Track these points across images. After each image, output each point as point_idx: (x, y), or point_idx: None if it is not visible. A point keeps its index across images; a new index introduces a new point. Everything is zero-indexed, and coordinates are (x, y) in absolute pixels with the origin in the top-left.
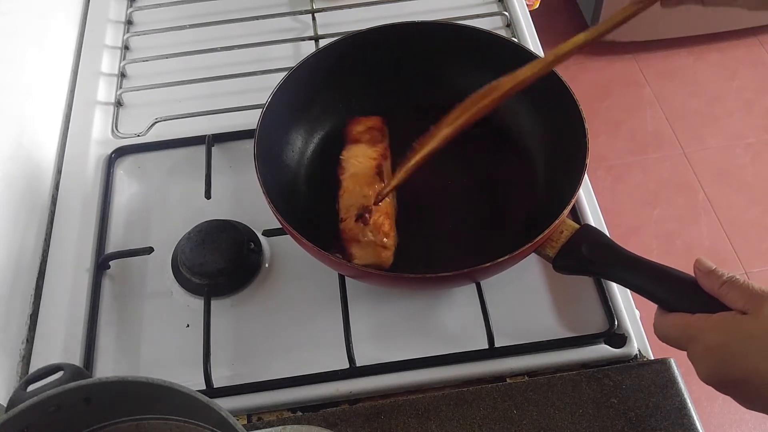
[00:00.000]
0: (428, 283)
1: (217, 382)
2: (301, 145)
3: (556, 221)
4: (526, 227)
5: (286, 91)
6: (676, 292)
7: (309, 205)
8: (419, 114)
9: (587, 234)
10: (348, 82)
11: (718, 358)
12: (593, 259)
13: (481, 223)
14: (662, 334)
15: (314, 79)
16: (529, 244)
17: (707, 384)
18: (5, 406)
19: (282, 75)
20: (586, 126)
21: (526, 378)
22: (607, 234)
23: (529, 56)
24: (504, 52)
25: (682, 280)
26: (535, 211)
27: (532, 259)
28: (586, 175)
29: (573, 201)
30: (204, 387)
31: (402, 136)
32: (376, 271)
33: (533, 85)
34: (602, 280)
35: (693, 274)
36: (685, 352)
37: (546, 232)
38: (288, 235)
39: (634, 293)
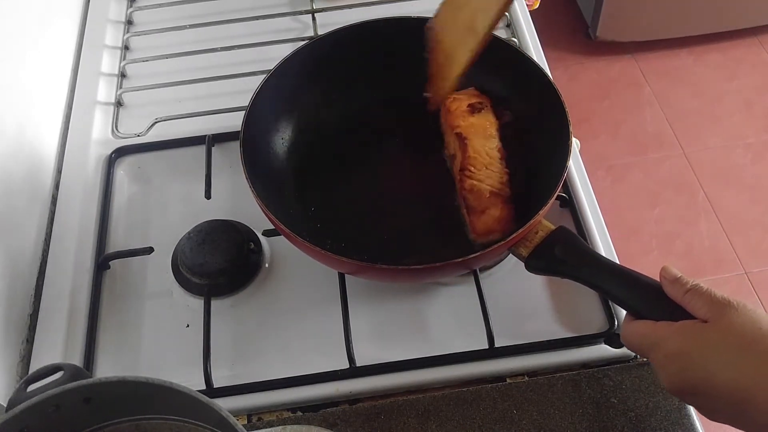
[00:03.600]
0: (403, 274)
1: (217, 382)
2: (289, 144)
3: (530, 222)
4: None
5: (268, 91)
6: (643, 299)
7: (301, 205)
8: (407, 107)
9: (562, 236)
10: (333, 78)
11: (678, 366)
12: (565, 260)
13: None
14: (627, 341)
15: (298, 76)
16: (502, 243)
17: (670, 392)
18: (5, 406)
19: None
20: (571, 129)
21: (526, 378)
22: (606, 234)
23: (509, 48)
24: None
25: (649, 287)
26: (521, 210)
27: None
28: (589, 178)
29: (549, 204)
30: (204, 387)
31: (388, 127)
32: (367, 263)
33: (523, 82)
34: None
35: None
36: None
37: (519, 231)
38: None
39: None
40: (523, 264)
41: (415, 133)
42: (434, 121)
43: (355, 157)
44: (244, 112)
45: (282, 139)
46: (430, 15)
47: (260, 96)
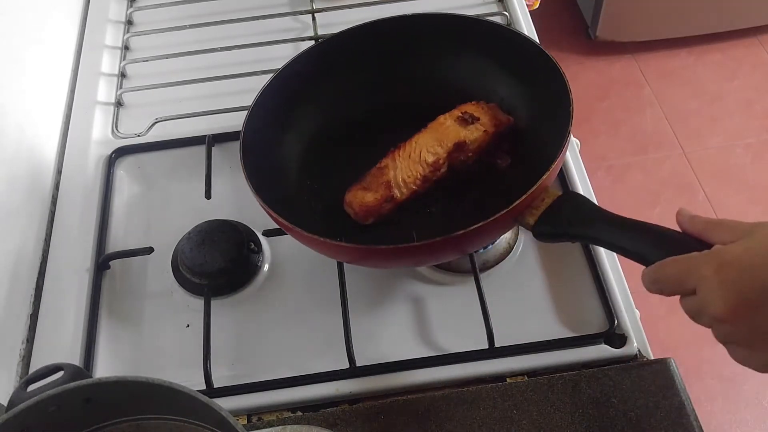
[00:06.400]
0: (407, 252)
1: (217, 382)
2: (294, 140)
3: (534, 187)
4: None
5: (273, 90)
6: (663, 246)
7: (301, 196)
8: (411, 107)
9: (569, 198)
10: (338, 78)
11: (737, 270)
12: (572, 221)
13: (476, 208)
14: (661, 274)
15: (303, 76)
16: (506, 210)
17: (726, 313)
18: (5, 406)
19: None
20: (571, 96)
21: (526, 378)
22: None
23: (515, 37)
24: (493, 36)
25: (666, 234)
26: (525, 185)
27: (532, 258)
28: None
29: (553, 167)
30: (204, 387)
31: (396, 128)
32: (366, 246)
33: (522, 69)
34: (600, 277)
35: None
36: (682, 305)
37: (523, 197)
38: (288, 235)
39: (634, 295)
40: (523, 263)
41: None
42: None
43: (357, 154)
44: (246, 111)
45: (287, 133)
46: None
47: (265, 94)
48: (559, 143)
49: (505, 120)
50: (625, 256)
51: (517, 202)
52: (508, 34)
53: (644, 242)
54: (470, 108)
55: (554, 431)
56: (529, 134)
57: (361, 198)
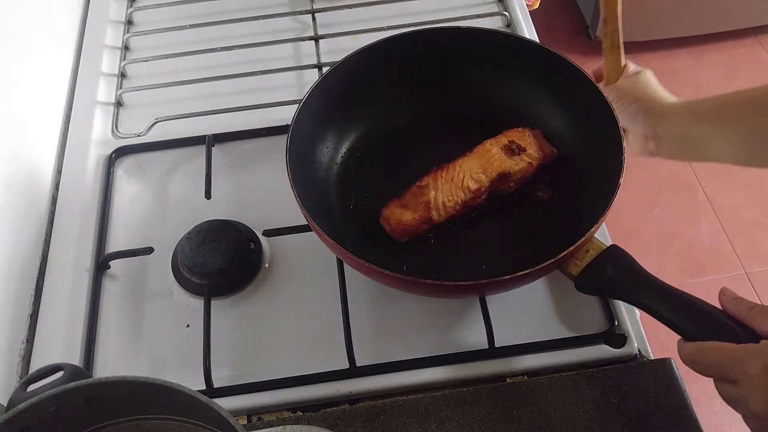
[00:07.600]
0: (450, 290)
1: (217, 382)
2: (334, 146)
3: (582, 239)
4: (554, 245)
5: (322, 90)
6: (706, 327)
7: (339, 208)
8: (455, 118)
9: (614, 255)
10: (383, 83)
11: None
12: (617, 281)
13: (512, 238)
14: (702, 358)
15: (350, 82)
16: (551, 261)
17: (766, 413)
18: (5, 406)
19: (283, 75)
20: (624, 144)
21: (526, 378)
22: (606, 234)
23: (570, 68)
24: (547, 62)
25: (711, 314)
26: (567, 229)
27: None
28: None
29: (602, 221)
30: (204, 387)
31: (436, 138)
32: (415, 278)
33: (573, 101)
34: None
35: (715, 300)
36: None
37: (570, 249)
38: (288, 235)
39: None
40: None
41: (460, 145)
42: (478, 134)
43: (395, 160)
44: (297, 105)
45: (326, 142)
46: (432, 15)
47: (310, 97)
48: (606, 192)
49: (550, 152)
50: (665, 325)
51: (565, 252)
52: (562, 63)
53: (688, 318)
54: (517, 136)
55: (554, 431)
56: (572, 166)
57: (399, 216)
